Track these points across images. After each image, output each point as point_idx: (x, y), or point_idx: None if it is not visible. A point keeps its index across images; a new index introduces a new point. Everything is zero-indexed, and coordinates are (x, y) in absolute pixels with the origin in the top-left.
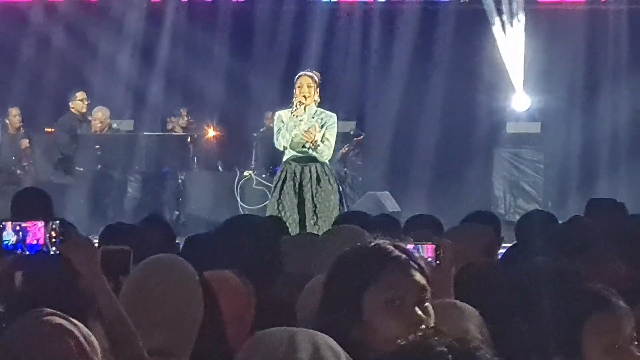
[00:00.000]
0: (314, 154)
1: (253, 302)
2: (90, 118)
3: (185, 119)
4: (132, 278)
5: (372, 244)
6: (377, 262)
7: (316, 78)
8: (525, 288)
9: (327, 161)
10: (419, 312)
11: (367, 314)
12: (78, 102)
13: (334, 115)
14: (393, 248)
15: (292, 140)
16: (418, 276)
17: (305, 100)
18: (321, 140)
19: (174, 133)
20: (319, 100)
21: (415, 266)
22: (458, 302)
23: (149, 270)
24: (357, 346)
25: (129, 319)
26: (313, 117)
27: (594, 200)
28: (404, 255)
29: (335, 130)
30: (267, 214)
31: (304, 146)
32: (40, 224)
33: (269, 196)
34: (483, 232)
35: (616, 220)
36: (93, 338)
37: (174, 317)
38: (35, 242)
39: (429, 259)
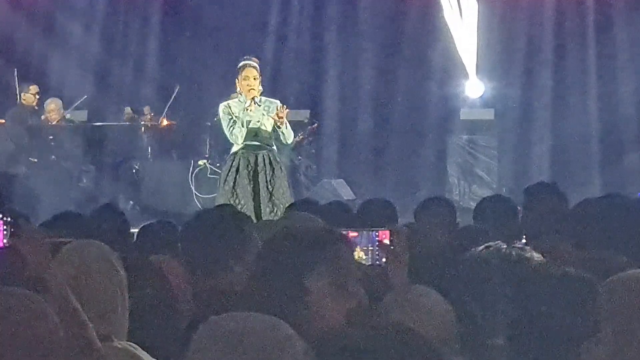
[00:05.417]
0: (281, 132)
1: (189, 289)
2: (40, 111)
3: (149, 116)
4: (56, 265)
5: (310, 228)
6: (318, 244)
7: (258, 67)
8: (478, 273)
9: (288, 142)
10: (362, 291)
11: (312, 294)
12: (30, 96)
13: (278, 101)
14: (332, 231)
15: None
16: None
17: (255, 92)
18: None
19: (128, 123)
20: (261, 90)
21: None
22: (421, 286)
23: (64, 256)
24: (300, 325)
25: (80, 309)
26: (259, 106)
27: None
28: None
29: None
30: (217, 203)
31: (255, 134)
32: None
33: (220, 184)
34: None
35: (556, 204)
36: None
37: (97, 300)
38: None
39: (385, 243)
